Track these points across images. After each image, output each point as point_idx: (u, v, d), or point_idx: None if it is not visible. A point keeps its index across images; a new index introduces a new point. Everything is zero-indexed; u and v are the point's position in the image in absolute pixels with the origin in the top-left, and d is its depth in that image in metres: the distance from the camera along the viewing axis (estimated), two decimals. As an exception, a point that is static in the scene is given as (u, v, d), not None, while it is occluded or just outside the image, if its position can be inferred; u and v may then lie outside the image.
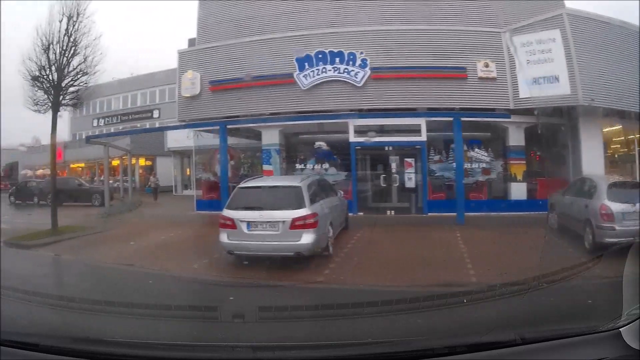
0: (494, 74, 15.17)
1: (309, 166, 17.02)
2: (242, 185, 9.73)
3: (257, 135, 18.01)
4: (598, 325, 2.49)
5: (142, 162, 33.39)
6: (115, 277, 8.30)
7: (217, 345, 3.05)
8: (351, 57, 15.77)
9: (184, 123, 18.79)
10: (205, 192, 19.24)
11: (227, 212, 8.67)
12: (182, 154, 27.76)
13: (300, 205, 8.44)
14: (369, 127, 15.88)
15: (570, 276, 5.82)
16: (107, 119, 39.09)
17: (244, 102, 16.87)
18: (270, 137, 17.29)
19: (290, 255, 8.22)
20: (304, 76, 16.17)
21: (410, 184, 15.63)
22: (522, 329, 2.58)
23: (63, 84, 13.53)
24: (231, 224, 8.47)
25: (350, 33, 16.10)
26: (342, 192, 12.64)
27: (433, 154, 15.89)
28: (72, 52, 13.43)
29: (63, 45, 13.30)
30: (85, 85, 14.22)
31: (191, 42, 19.97)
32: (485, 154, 15.95)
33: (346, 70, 15.86)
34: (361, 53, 15.67)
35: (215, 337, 4.17)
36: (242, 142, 19.89)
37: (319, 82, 16.09)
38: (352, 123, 15.80)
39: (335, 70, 15.94)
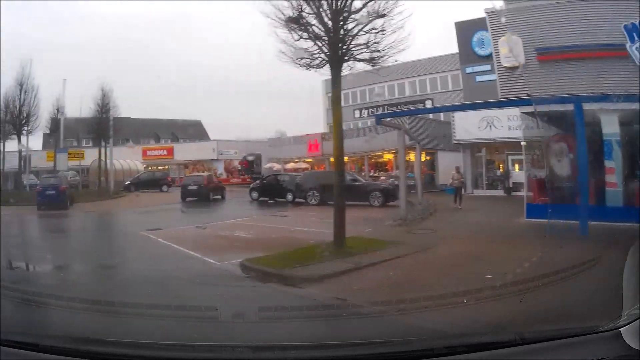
0: None
1: None
2: None
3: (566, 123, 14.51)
4: (598, 325, 2.49)
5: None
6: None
7: (217, 345, 3.05)
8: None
9: (513, 99, 15.15)
10: (537, 193, 15.18)
11: None
12: (472, 147, 23.19)
13: None
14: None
15: (570, 276, 5.82)
16: (371, 109, 34.40)
17: (578, 77, 13.95)
18: (610, 125, 14.02)
19: None
20: (636, 49, 13.70)
21: None
22: (522, 329, 2.58)
23: (346, 29, 9.54)
24: None
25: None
26: None
27: None
28: None
29: None
30: (382, 33, 9.71)
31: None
32: None
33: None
34: None
35: (215, 337, 4.17)
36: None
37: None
38: None
39: None
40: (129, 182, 30.93)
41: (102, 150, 28.40)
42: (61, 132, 29.18)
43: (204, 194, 23.18)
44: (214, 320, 4.61)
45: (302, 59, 9.79)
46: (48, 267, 8.69)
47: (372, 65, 10.67)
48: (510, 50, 14.72)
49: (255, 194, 22.06)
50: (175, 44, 64.95)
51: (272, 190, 21.38)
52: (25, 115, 26.00)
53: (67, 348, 2.52)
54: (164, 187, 29.86)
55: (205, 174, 28.70)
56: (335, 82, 9.78)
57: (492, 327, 3.94)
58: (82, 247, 11.36)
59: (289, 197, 20.22)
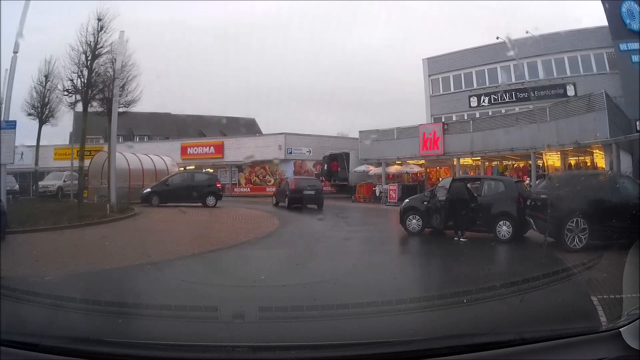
0: None
1: None
2: None
3: None
4: (598, 325, 2.49)
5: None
6: None
7: (217, 346, 3.05)
8: None
9: None
10: None
11: None
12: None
13: None
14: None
15: (570, 276, 5.82)
16: (493, 96, 27.19)
17: None
18: None
19: None
20: None
21: None
22: (522, 329, 2.58)
23: None
24: None
25: None
26: None
27: None
28: None
29: None
30: None
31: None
32: None
33: None
34: None
35: (215, 337, 4.18)
36: None
37: None
38: None
39: None
40: (149, 189, 20.06)
41: (107, 140, 19.53)
42: (3, 92, 15.52)
43: (321, 200, 19.19)
44: (214, 320, 4.62)
45: None
46: None
47: None
48: None
49: (415, 222, 11.82)
50: (233, 50, 63.02)
51: (455, 213, 11.04)
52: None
53: (67, 348, 2.52)
54: (210, 199, 19.39)
55: (312, 177, 24.37)
56: None
57: (492, 327, 3.94)
58: None
59: (502, 229, 10.54)
